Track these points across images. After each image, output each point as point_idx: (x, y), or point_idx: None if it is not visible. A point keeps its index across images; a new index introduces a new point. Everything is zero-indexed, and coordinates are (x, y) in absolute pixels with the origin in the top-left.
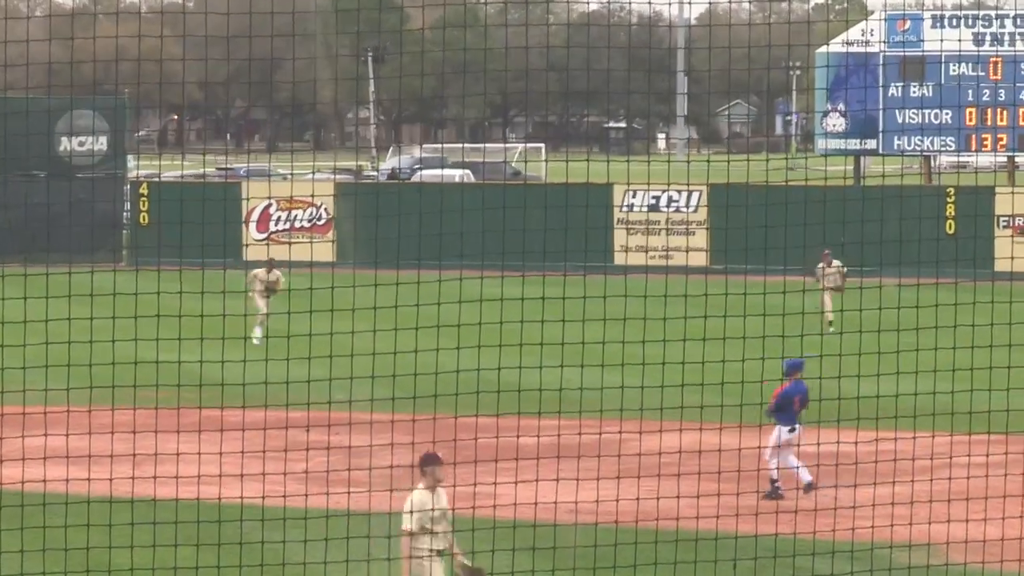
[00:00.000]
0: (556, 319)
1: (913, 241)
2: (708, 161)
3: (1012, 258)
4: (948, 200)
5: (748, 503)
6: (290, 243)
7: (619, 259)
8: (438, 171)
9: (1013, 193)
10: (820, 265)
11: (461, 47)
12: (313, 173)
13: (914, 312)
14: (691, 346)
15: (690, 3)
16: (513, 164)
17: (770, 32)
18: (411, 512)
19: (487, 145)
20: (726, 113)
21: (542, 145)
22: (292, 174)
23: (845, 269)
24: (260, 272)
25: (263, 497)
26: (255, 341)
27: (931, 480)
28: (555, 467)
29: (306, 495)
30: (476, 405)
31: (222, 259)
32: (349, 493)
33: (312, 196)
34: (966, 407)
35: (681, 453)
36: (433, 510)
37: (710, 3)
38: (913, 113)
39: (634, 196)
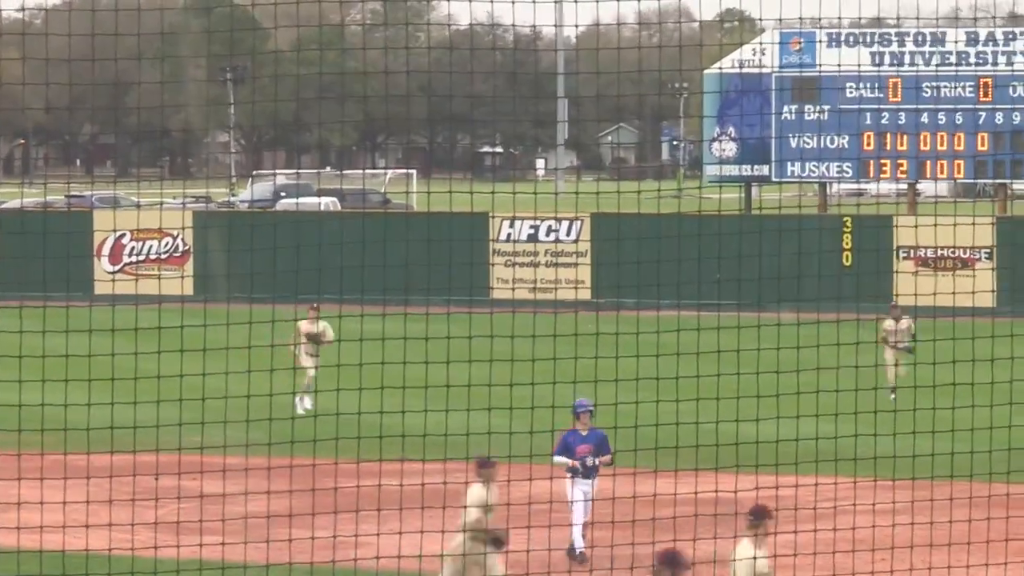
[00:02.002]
0: (419, 359)
1: (809, 275)
2: (597, 192)
3: (915, 294)
4: (845, 230)
5: (643, 552)
6: (135, 277)
7: (497, 293)
8: (302, 199)
9: (917, 225)
10: (887, 322)
11: (326, 68)
12: (170, 200)
13: (811, 351)
14: (561, 388)
15: (574, 25)
16: (382, 192)
17: (661, 53)
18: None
19: (354, 172)
20: (609, 138)
21: (413, 171)
22: (139, 202)
23: (913, 329)
24: (304, 324)
25: (109, 549)
26: (300, 411)
27: (834, 529)
28: (419, 516)
29: (155, 547)
30: (336, 449)
31: (68, 293)
32: (201, 545)
33: (161, 226)
34: (870, 451)
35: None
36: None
37: (595, 24)
38: (807, 138)
39: (511, 226)
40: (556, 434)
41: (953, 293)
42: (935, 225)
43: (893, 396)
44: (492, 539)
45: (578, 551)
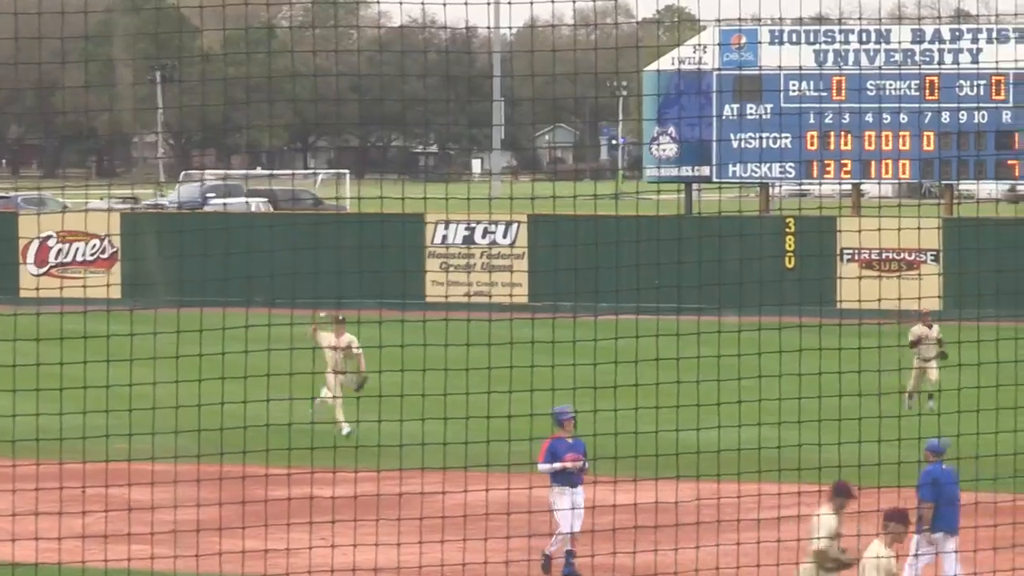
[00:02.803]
0: (371, 368)
1: (751, 278)
2: (532, 198)
3: (860, 300)
4: (787, 232)
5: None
6: (59, 280)
7: (432, 295)
8: (232, 200)
9: (861, 228)
10: (915, 328)
11: (256, 69)
12: (94, 202)
13: (753, 357)
14: (496, 398)
15: (508, 28)
16: (314, 192)
17: (599, 52)
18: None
19: (286, 172)
20: (546, 138)
21: (346, 172)
22: (64, 203)
23: (941, 335)
24: (328, 336)
25: (36, 564)
26: (344, 432)
27: (778, 540)
28: (352, 527)
29: (83, 561)
30: (266, 457)
31: None
32: (130, 560)
33: (87, 228)
34: (814, 459)
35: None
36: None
37: (529, 26)
38: (749, 137)
39: (447, 228)
40: (538, 443)
41: (898, 298)
42: (879, 229)
43: (931, 403)
44: (839, 566)
45: (565, 566)
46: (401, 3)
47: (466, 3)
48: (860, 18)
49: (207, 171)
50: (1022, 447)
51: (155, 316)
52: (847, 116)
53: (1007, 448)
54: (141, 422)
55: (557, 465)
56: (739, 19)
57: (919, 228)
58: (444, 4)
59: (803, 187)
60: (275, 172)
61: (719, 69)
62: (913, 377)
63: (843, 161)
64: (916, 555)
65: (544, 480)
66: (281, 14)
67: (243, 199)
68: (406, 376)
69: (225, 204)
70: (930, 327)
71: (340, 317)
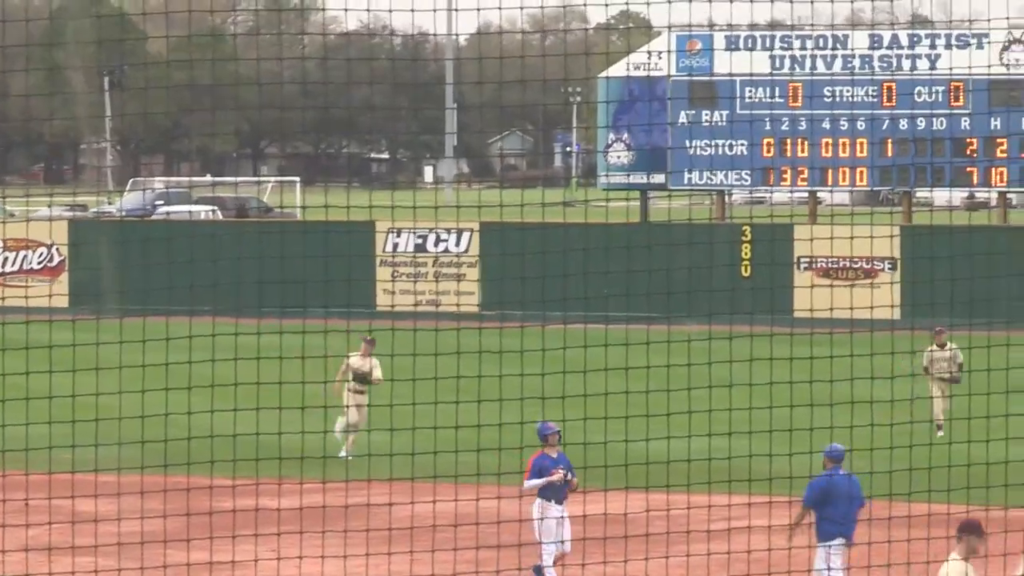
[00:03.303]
0: (317, 378)
1: (706, 287)
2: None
3: (812, 309)
4: (744, 240)
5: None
6: (1, 288)
7: (383, 304)
8: (181, 208)
9: (831, 237)
10: (930, 348)
11: (206, 75)
12: (45, 208)
13: (711, 366)
14: (465, 408)
15: (459, 35)
16: (265, 200)
17: (548, 58)
18: None
19: (236, 179)
20: (499, 145)
21: (296, 179)
22: (13, 211)
23: (960, 358)
24: (354, 359)
25: None
26: (344, 454)
27: (728, 552)
28: (298, 539)
29: (27, 575)
30: (211, 468)
31: None
32: (74, 572)
33: (30, 236)
34: (765, 469)
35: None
36: None
37: (478, 33)
38: (705, 144)
39: (398, 236)
40: (485, 453)
41: (855, 308)
42: (836, 237)
43: (940, 432)
44: None
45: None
46: (345, 9)
47: (412, 10)
48: (813, 25)
49: (156, 178)
50: (976, 458)
51: (98, 325)
52: (803, 123)
53: (965, 459)
54: (85, 433)
55: (542, 480)
56: (692, 25)
57: (876, 236)
58: (390, 11)
59: (759, 195)
60: (224, 179)
61: (674, 75)
62: (934, 403)
63: (799, 168)
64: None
65: (507, 493)
66: (231, 19)
67: (191, 207)
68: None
69: (168, 213)
70: (943, 346)
71: (369, 336)
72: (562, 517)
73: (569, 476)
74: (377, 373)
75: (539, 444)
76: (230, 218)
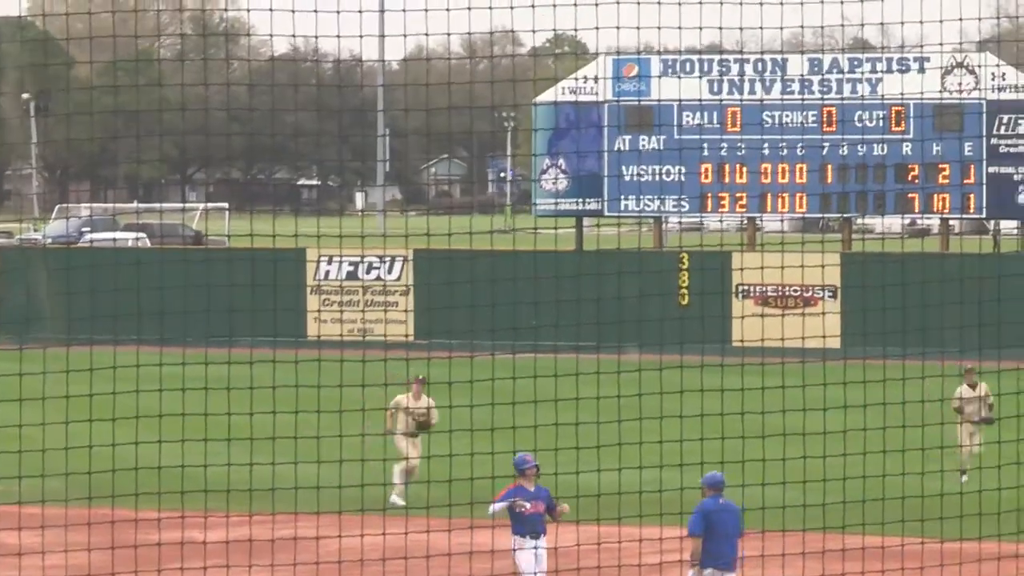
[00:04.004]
0: (244, 410)
1: (644, 316)
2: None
3: (742, 340)
4: (681, 268)
5: None
6: None
7: (314, 333)
8: (108, 235)
9: (770, 265)
10: (959, 389)
11: (133, 99)
12: None
13: (648, 397)
14: (373, 440)
15: (390, 61)
16: (193, 227)
17: (481, 82)
18: None
19: (162, 205)
20: (433, 171)
21: (226, 205)
22: None
23: (991, 398)
24: (404, 398)
25: None
26: (396, 499)
27: None
28: (226, 571)
29: None
30: (135, 501)
31: None
32: None
33: None
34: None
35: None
36: None
37: (409, 60)
38: (642, 170)
39: (329, 263)
40: (425, 486)
41: (795, 337)
42: (774, 266)
43: (965, 478)
44: None
45: None
46: (272, 35)
47: (337, 36)
48: (743, 51)
49: (83, 205)
50: (911, 490)
51: (21, 355)
52: (743, 148)
53: (901, 492)
54: (8, 464)
55: (504, 503)
56: (627, 50)
57: (816, 264)
58: (316, 37)
59: (698, 221)
60: (151, 206)
61: (610, 100)
62: (963, 450)
63: (738, 195)
64: None
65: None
66: (158, 44)
67: (118, 234)
68: (278, 418)
69: (92, 241)
70: (974, 386)
71: (420, 376)
72: (536, 548)
73: (547, 509)
74: (434, 415)
75: (513, 476)
76: (156, 245)
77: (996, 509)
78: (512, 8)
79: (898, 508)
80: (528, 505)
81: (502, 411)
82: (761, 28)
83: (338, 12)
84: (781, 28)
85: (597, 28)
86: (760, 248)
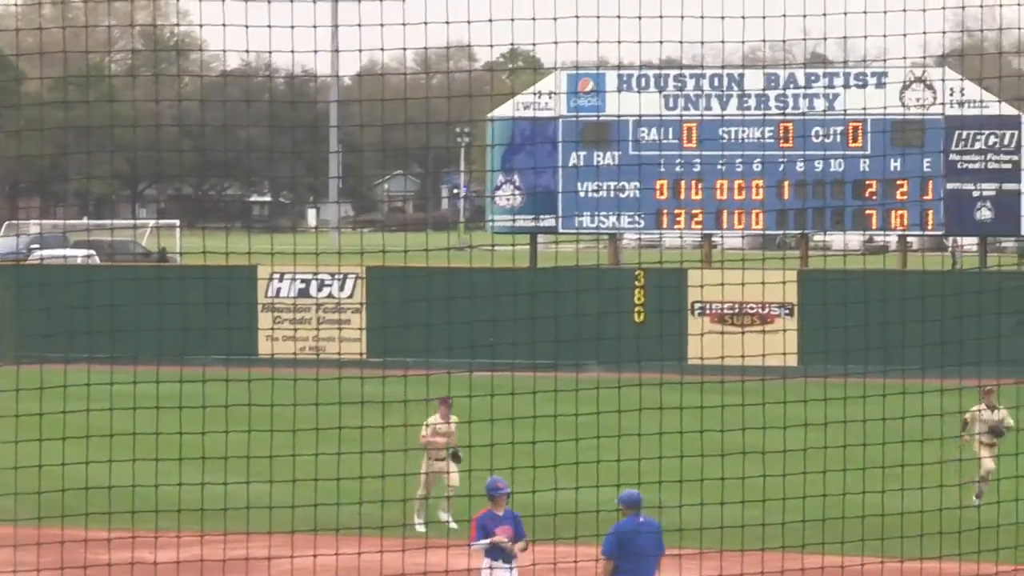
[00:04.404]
0: (195, 430)
1: (599, 333)
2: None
3: (719, 358)
4: (637, 285)
5: None
6: None
7: (265, 351)
8: (57, 251)
9: (726, 282)
10: (978, 408)
11: (84, 114)
12: None
13: (605, 415)
14: (325, 459)
15: (342, 76)
16: (143, 243)
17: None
18: None
19: (113, 222)
20: (385, 187)
21: (176, 222)
22: None
23: (1010, 419)
24: (436, 421)
25: None
26: (447, 520)
27: None
28: None
29: None
30: (85, 520)
31: None
32: None
33: None
34: (674, 521)
35: None
36: None
37: (362, 74)
38: (597, 186)
39: (281, 281)
40: (369, 505)
41: (747, 354)
42: (731, 283)
43: (978, 500)
44: None
45: None
46: (224, 51)
47: (292, 51)
48: (700, 66)
49: (32, 221)
50: (872, 509)
51: None
52: (698, 164)
53: (860, 511)
54: None
55: (487, 541)
56: (582, 64)
57: (772, 281)
58: (270, 52)
59: (653, 238)
60: (102, 223)
61: (565, 115)
62: (982, 463)
63: (694, 211)
64: None
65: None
66: (110, 59)
67: (67, 251)
68: (231, 437)
69: (42, 258)
70: (993, 408)
71: (448, 400)
72: (508, 571)
73: (511, 545)
74: (456, 436)
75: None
76: (109, 263)
77: (956, 528)
78: (469, 23)
79: (858, 527)
80: (508, 543)
81: (460, 429)
82: (723, 42)
83: (292, 27)
84: (743, 42)
85: (555, 43)
86: (717, 265)
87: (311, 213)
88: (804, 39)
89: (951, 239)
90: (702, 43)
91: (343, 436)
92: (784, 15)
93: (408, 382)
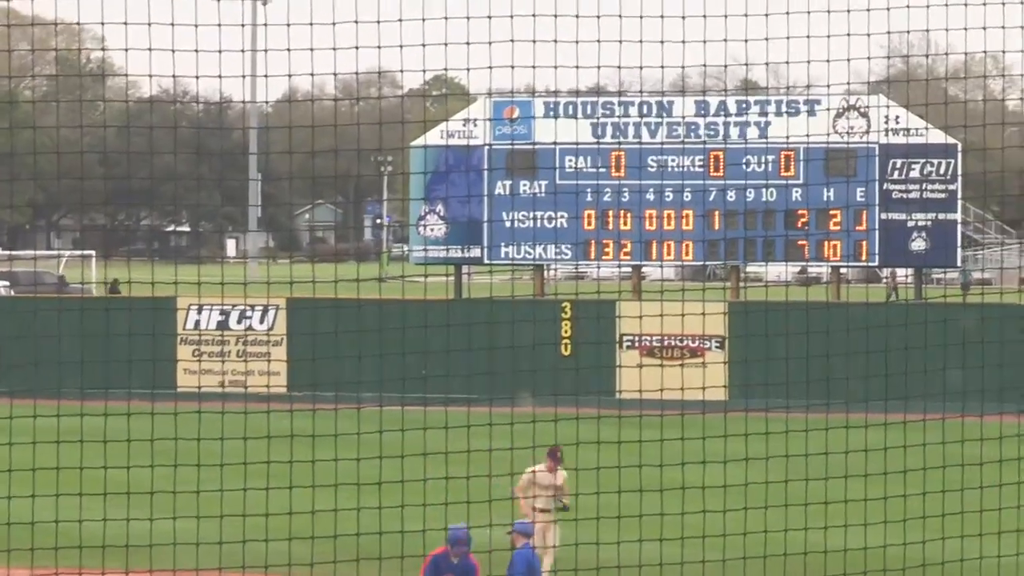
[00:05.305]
0: (98, 459)
1: (526, 366)
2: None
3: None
4: (564, 317)
5: None
6: None
7: (184, 384)
8: None
9: (656, 314)
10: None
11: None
12: None
13: (524, 451)
14: (253, 495)
15: (263, 102)
16: (58, 274)
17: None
18: None
19: (27, 252)
20: (306, 217)
21: (92, 253)
22: None
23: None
24: (539, 470)
25: None
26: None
27: None
28: None
29: None
30: (8, 558)
31: None
32: None
33: None
34: (591, 557)
35: None
36: None
37: (286, 100)
38: (523, 216)
39: (199, 313)
40: (297, 542)
41: (675, 387)
42: (650, 316)
43: None
44: None
45: None
46: (149, 75)
47: (197, 76)
48: (632, 92)
49: None
50: (813, 546)
51: None
52: (627, 194)
53: (798, 547)
54: None
55: None
56: (510, 91)
57: (703, 313)
58: (197, 77)
59: (581, 269)
60: (15, 253)
61: (491, 143)
62: None
63: (623, 242)
64: None
65: None
66: (24, 85)
67: None
68: (157, 471)
69: None
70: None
71: (557, 452)
72: None
73: None
74: (567, 490)
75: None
76: (22, 294)
77: (881, 567)
78: (401, 47)
79: (780, 565)
80: None
81: (391, 464)
82: (662, 66)
83: (220, 52)
84: (683, 66)
85: (491, 68)
86: (646, 297)
87: (231, 243)
88: (743, 64)
89: (888, 271)
90: (643, 67)
91: (272, 471)
92: (726, 39)
93: (339, 416)
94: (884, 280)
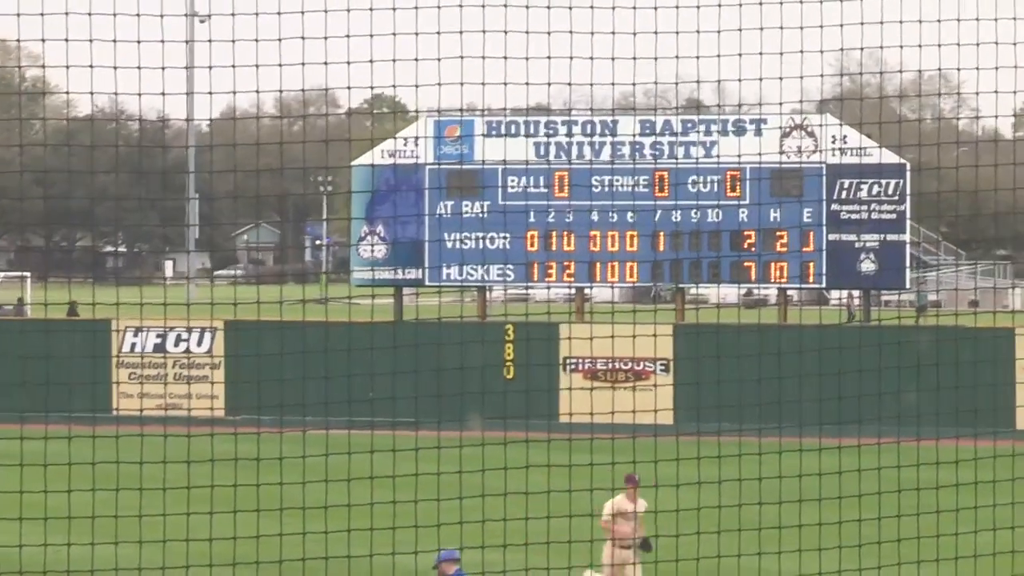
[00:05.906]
0: (36, 486)
1: (468, 389)
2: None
3: (585, 411)
4: (507, 339)
5: None
6: None
7: (123, 408)
8: None
9: (599, 336)
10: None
11: None
12: None
13: (473, 475)
14: (196, 519)
15: (200, 120)
16: None
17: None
18: None
19: None
20: (244, 237)
21: (27, 274)
22: None
23: None
24: (620, 500)
25: None
26: None
27: None
28: None
29: None
30: None
31: None
32: None
33: None
34: None
35: None
36: None
37: (224, 118)
38: (465, 237)
39: (136, 335)
40: (243, 567)
41: (620, 411)
42: (601, 336)
43: None
44: None
45: None
46: (69, 93)
47: (136, 94)
48: (584, 108)
49: None
50: (767, 572)
51: None
52: (571, 214)
53: (752, 573)
54: None
55: None
56: (450, 110)
57: (647, 335)
58: (139, 95)
59: (524, 291)
60: None
61: (432, 163)
62: None
63: (566, 263)
64: None
65: None
66: None
67: None
68: (98, 496)
69: None
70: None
71: (636, 478)
72: None
73: None
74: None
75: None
76: None
77: None
78: (344, 64)
79: None
80: None
81: (337, 488)
82: (612, 84)
83: (163, 68)
84: (634, 83)
85: (440, 84)
86: (589, 319)
87: (168, 264)
88: (694, 81)
89: (844, 292)
90: (591, 84)
91: (215, 495)
92: (677, 56)
93: (283, 439)
94: (840, 300)
